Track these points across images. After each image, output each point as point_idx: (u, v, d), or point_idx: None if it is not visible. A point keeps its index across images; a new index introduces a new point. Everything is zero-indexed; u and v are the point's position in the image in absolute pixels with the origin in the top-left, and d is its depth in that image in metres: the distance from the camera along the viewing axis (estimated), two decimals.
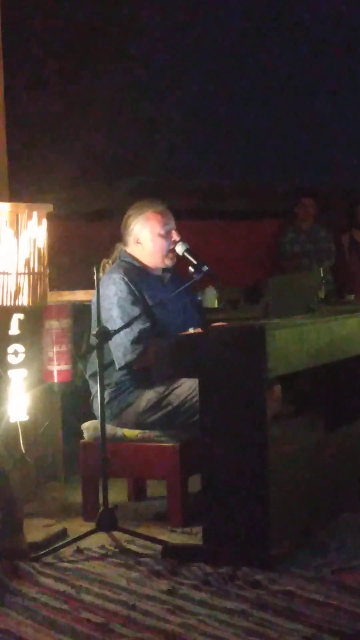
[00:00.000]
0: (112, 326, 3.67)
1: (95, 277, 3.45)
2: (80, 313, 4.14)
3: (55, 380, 4.00)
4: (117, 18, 7.87)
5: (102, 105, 7.31)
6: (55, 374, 3.99)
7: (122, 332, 3.64)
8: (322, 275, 5.35)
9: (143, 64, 7.90)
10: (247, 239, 7.12)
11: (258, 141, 8.06)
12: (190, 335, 3.47)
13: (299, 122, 8.12)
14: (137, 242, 3.93)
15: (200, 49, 8.17)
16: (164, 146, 7.62)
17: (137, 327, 3.69)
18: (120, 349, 3.72)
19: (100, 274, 3.76)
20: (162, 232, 3.90)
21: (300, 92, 8.26)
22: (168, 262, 3.94)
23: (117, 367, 3.75)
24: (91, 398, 3.91)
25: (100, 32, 7.70)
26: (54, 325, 3.96)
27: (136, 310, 3.71)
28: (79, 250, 5.64)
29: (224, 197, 7.64)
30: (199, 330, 3.53)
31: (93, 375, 3.79)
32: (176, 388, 3.72)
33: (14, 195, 4.63)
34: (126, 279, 3.79)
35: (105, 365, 3.63)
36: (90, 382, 3.90)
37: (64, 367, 4.00)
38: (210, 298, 5.35)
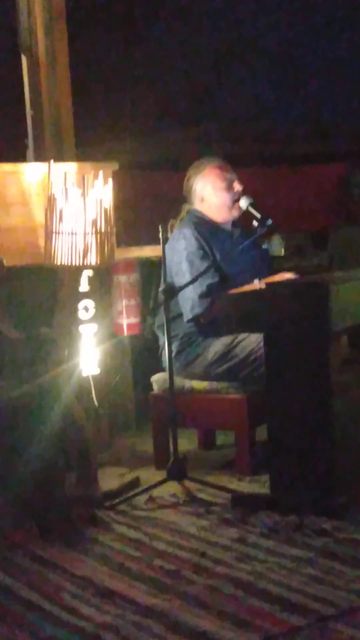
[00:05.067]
0: (181, 279, 3.76)
1: (160, 236, 3.52)
2: (148, 269, 4.21)
3: (125, 333, 4.08)
4: None
5: (167, 52, 7.27)
6: (125, 327, 4.07)
7: (190, 286, 3.72)
8: None
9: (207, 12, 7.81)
10: (315, 182, 7.05)
11: (324, 82, 7.93)
12: (254, 291, 3.52)
13: None
14: (202, 200, 3.99)
15: None
16: (228, 92, 7.56)
17: (205, 282, 3.76)
18: (188, 302, 3.80)
19: (168, 234, 3.83)
20: (224, 185, 3.95)
21: None
22: (235, 213, 3.99)
23: (185, 319, 3.84)
24: (160, 350, 4.01)
25: None
26: (122, 279, 4.04)
27: (205, 265, 3.78)
28: (146, 204, 5.67)
29: (290, 141, 7.57)
30: (262, 282, 3.58)
31: (161, 326, 3.88)
32: (242, 340, 3.79)
33: (80, 148, 4.66)
34: (196, 234, 3.87)
35: (173, 317, 3.72)
36: (159, 333, 4.00)
37: (133, 320, 4.08)
38: (277, 246, 5.35)
